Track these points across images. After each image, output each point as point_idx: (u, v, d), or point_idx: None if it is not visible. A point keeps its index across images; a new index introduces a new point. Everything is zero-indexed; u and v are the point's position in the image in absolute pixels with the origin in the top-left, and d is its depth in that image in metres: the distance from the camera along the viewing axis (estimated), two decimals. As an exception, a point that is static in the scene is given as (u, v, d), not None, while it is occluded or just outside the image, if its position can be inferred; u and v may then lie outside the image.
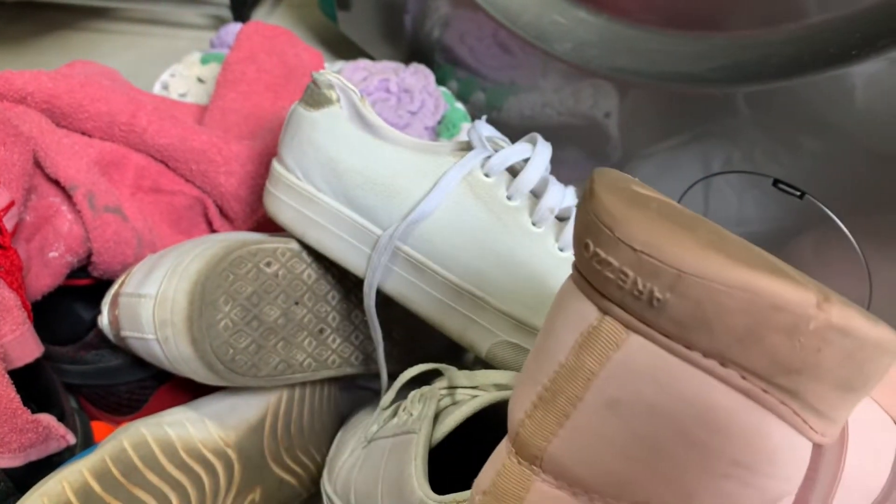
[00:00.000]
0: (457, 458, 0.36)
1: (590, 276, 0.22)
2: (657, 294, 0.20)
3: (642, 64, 0.53)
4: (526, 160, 0.44)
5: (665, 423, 0.21)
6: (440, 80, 0.69)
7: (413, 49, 0.72)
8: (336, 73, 0.45)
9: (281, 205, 0.46)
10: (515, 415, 0.23)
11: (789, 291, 0.19)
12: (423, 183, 0.43)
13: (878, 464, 0.26)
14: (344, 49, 0.86)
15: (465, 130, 0.65)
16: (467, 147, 0.45)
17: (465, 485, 0.29)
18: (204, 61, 0.70)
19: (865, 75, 0.41)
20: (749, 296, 0.19)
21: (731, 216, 0.53)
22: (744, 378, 0.20)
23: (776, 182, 0.48)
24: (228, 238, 0.44)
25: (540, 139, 0.45)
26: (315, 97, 0.44)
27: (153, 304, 0.41)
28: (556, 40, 0.57)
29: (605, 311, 0.21)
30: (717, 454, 0.21)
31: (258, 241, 0.44)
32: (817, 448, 0.22)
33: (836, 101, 0.43)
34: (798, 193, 0.47)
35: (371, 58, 0.76)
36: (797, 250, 0.50)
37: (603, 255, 0.21)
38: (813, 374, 0.20)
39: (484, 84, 0.66)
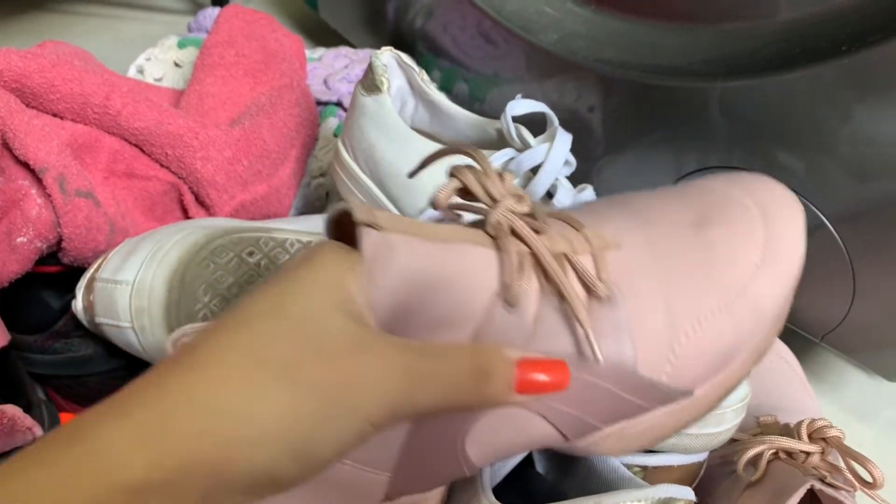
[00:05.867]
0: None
1: None
2: None
3: (629, 56, 0.52)
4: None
5: None
6: (422, 70, 0.68)
7: (395, 38, 0.71)
8: (395, 51, 0.48)
9: (338, 178, 0.51)
10: None
11: None
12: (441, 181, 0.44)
13: None
14: (323, 36, 0.85)
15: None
16: (498, 147, 0.46)
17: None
18: (181, 45, 0.68)
19: (853, 73, 0.41)
20: None
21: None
22: None
23: (762, 178, 0.48)
24: (210, 225, 0.43)
25: (559, 134, 0.45)
26: (369, 81, 0.47)
27: (130, 292, 0.39)
28: (542, 31, 0.56)
29: None
30: None
31: (240, 230, 0.43)
32: None
33: (823, 98, 0.43)
34: (784, 190, 0.47)
35: (352, 46, 0.75)
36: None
37: None
38: None
39: (467, 75, 0.65)
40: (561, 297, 0.27)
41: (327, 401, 0.22)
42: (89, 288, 0.42)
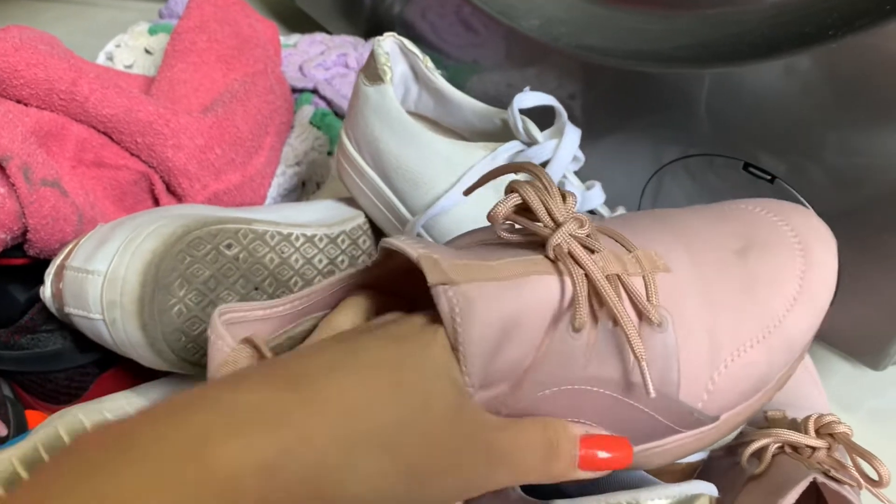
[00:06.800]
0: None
1: None
2: None
3: (611, 42, 0.52)
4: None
5: None
6: (400, 57, 0.67)
7: (372, 24, 0.70)
8: (397, 37, 0.46)
9: (342, 169, 0.49)
10: None
11: None
12: (449, 176, 0.44)
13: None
14: (298, 22, 0.83)
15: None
16: (503, 137, 0.45)
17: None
18: (152, 31, 0.67)
19: (839, 60, 0.41)
20: None
21: (684, 204, 0.52)
22: None
23: (746, 165, 0.47)
24: (188, 214, 0.41)
25: (568, 129, 0.44)
26: (371, 70, 0.45)
27: (102, 283, 0.37)
28: (523, 16, 0.55)
29: None
30: None
31: (220, 220, 0.41)
32: None
33: (808, 87, 0.42)
34: (769, 177, 0.46)
35: (328, 32, 0.73)
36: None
37: None
38: None
39: (446, 62, 0.64)
40: (615, 322, 0.27)
41: (415, 484, 0.21)
42: (59, 276, 0.40)
